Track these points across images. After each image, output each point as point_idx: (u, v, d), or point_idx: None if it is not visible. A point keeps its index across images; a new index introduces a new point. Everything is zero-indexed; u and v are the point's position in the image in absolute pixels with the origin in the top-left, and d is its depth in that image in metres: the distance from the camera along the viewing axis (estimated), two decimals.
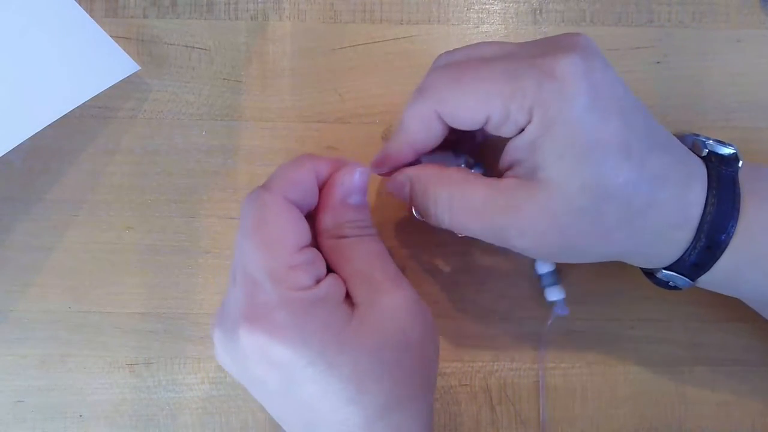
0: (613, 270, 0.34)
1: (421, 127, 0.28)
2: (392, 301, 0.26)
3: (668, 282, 0.29)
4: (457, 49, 0.29)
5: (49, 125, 0.32)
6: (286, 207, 0.26)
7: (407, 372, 0.26)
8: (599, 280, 0.34)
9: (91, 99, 0.33)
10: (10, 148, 0.31)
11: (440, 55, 0.29)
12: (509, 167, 0.27)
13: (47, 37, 0.32)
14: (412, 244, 0.35)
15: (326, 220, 0.27)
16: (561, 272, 0.34)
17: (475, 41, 0.35)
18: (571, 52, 0.25)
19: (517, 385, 0.34)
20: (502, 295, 0.34)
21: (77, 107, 0.33)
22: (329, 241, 0.27)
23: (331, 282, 0.26)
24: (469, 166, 0.31)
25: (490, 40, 0.35)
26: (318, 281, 0.25)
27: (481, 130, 0.28)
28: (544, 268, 0.33)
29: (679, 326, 0.34)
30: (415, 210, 0.29)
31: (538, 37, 0.35)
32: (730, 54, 0.35)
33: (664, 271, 0.28)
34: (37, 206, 0.35)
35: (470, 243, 0.34)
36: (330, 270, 0.27)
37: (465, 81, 0.26)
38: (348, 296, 0.26)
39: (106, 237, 0.35)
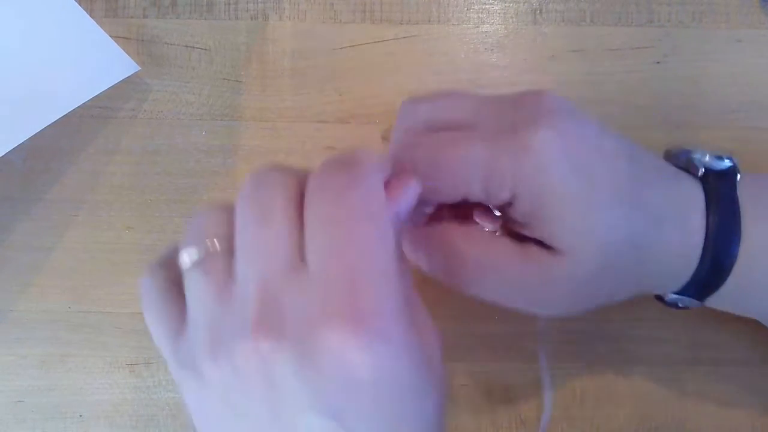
0: None
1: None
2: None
3: (677, 303, 0.29)
4: (420, 100, 0.27)
5: (49, 125, 0.32)
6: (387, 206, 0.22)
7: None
8: None
9: (91, 99, 0.33)
10: (10, 148, 0.31)
11: (403, 103, 0.28)
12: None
13: (47, 38, 0.32)
14: None
15: None
16: None
17: (475, 41, 0.35)
18: (542, 121, 0.24)
19: (517, 385, 0.34)
20: None
21: (77, 107, 0.33)
22: None
23: None
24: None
25: (489, 40, 0.36)
26: None
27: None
28: None
29: (679, 326, 0.34)
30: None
31: (538, 38, 0.35)
32: (730, 54, 0.35)
33: (672, 294, 0.28)
34: (37, 206, 0.35)
35: None
36: None
37: (440, 164, 0.25)
38: None
39: (106, 237, 0.35)
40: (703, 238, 0.26)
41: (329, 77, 0.35)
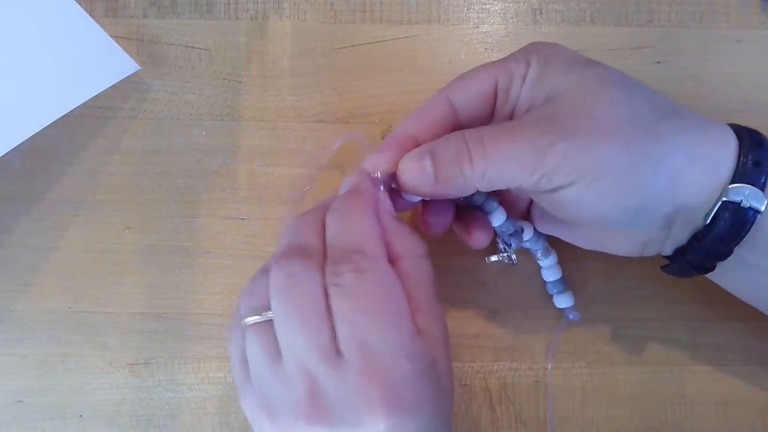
0: (613, 270, 0.34)
1: (429, 108, 0.28)
2: (443, 332, 0.26)
3: (739, 204, 0.25)
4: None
5: (49, 125, 0.32)
6: (392, 273, 0.24)
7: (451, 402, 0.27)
8: (600, 281, 0.34)
9: (92, 99, 0.33)
10: (10, 148, 0.31)
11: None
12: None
13: (47, 37, 0.32)
14: None
15: (397, 245, 0.26)
16: (567, 278, 0.34)
17: (475, 41, 0.36)
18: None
19: (517, 385, 0.34)
20: (502, 295, 0.34)
21: (77, 107, 0.33)
22: (406, 263, 0.26)
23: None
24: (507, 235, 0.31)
25: (489, 40, 0.36)
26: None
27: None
28: (551, 275, 0.33)
29: (679, 326, 0.34)
30: (437, 183, 0.27)
31: (538, 38, 0.35)
32: (730, 54, 0.35)
33: (736, 184, 0.25)
34: (37, 206, 0.35)
35: None
36: None
37: (468, 71, 0.29)
38: None
39: (106, 237, 0.35)
40: (736, 138, 0.26)
41: (329, 77, 0.35)
